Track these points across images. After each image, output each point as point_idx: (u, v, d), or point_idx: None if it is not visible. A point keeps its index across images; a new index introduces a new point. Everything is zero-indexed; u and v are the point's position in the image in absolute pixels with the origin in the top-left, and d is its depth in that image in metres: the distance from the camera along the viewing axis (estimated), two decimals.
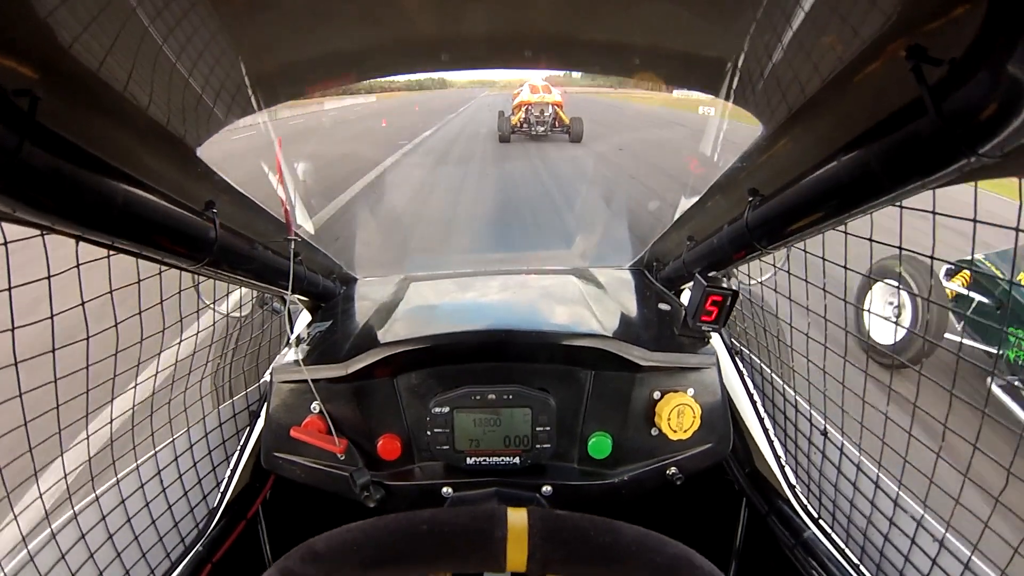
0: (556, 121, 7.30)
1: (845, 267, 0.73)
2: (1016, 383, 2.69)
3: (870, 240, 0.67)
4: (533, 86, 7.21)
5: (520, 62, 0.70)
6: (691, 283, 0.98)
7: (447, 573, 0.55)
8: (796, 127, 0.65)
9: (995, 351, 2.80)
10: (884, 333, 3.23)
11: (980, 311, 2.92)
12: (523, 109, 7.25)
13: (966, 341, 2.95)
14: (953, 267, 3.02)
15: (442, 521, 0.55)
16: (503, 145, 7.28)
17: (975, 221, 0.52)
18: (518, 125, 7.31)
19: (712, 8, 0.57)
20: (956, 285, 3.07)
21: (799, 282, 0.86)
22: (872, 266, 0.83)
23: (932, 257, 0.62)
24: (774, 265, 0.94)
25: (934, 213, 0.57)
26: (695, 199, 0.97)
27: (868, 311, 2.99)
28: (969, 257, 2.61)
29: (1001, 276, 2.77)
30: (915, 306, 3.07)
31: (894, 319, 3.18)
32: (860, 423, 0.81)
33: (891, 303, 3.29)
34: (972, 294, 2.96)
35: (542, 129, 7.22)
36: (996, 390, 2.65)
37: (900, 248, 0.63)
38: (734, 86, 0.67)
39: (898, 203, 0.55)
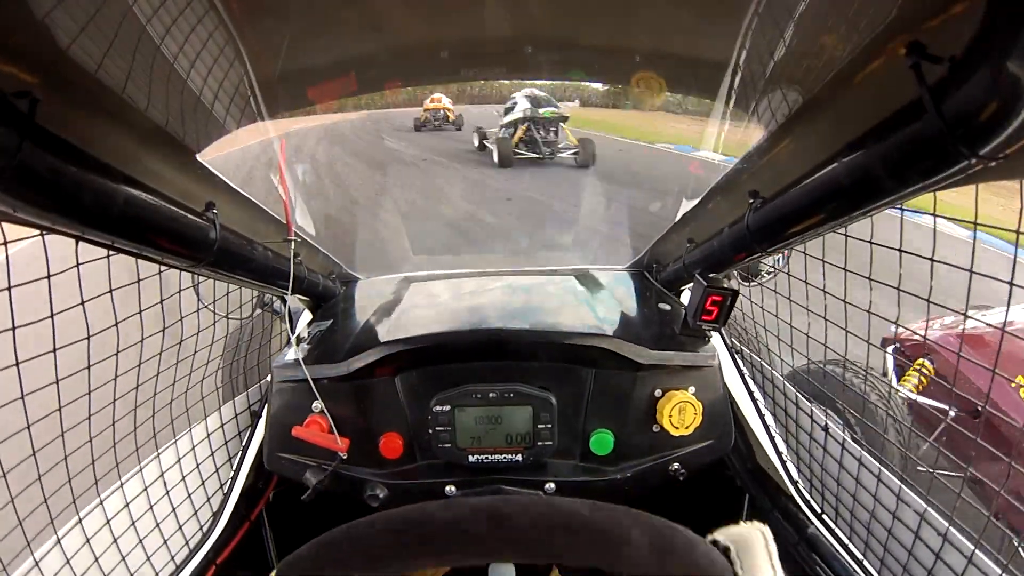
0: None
1: (845, 269, 0.73)
2: None
3: (870, 242, 0.67)
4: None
5: (523, 70, 0.70)
6: (691, 284, 0.98)
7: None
8: (797, 129, 0.65)
9: None
10: None
11: None
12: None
13: None
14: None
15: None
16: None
17: (976, 224, 0.52)
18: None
19: (711, 11, 0.57)
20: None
21: (798, 282, 0.86)
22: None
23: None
24: (774, 267, 0.95)
25: (935, 216, 0.57)
26: (695, 201, 0.97)
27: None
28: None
29: None
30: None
31: None
32: (862, 419, 0.82)
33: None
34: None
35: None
36: None
37: (900, 251, 0.63)
38: (734, 88, 0.67)
39: (899, 206, 0.55)
